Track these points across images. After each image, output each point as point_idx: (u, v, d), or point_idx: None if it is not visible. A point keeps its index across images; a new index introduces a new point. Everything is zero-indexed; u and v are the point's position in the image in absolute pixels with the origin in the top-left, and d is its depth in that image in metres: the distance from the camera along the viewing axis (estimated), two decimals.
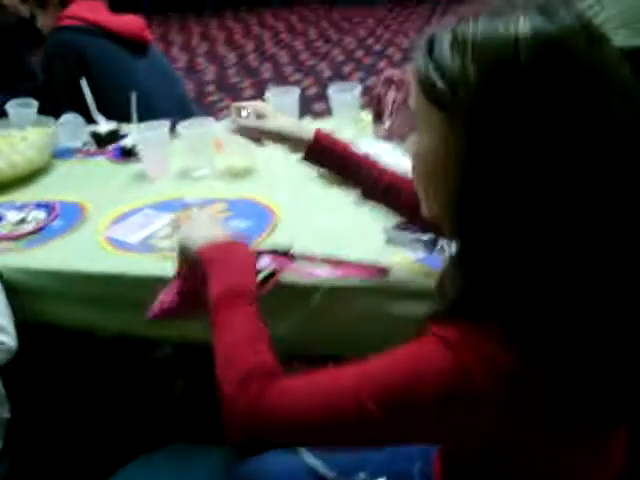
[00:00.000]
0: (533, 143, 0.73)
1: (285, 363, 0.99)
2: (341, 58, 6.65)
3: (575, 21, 0.77)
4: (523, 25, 0.74)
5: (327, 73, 6.16)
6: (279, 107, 2.04)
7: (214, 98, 5.72)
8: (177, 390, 2.37)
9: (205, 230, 1.19)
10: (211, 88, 6.00)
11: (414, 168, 0.90)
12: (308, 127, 1.33)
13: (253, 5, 9.39)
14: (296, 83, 5.87)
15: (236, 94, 5.72)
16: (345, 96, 2.04)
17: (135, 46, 2.53)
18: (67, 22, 2.43)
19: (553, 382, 0.77)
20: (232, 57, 7.02)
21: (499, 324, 0.77)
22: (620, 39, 2.45)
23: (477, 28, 0.76)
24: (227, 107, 4.88)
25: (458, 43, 0.76)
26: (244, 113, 1.39)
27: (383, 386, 0.81)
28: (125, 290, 1.46)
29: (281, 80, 5.86)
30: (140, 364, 2.49)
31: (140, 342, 2.53)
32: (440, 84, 0.77)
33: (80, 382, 2.41)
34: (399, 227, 1.45)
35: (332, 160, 1.32)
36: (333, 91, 2.04)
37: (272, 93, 2.06)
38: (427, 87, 0.79)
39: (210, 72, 6.52)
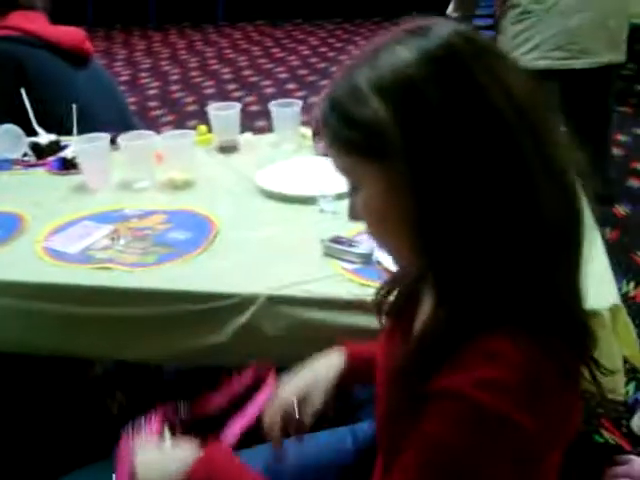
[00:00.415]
0: (460, 147, 0.76)
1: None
2: (284, 76, 6.70)
3: (451, 31, 0.80)
4: (405, 51, 0.78)
5: (270, 90, 6.19)
6: (220, 122, 2.08)
7: (157, 113, 5.70)
8: (116, 405, 2.36)
9: (171, 457, 1.05)
10: (154, 103, 5.99)
11: (369, 227, 0.88)
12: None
13: (197, 21, 9.41)
14: (239, 99, 5.89)
15: (179, 109, 5.72)
16: (286, 110, 2.08)
17: (76, 58, 2.52)
18: (5, 32, 2.41)
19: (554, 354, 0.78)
20: (175, 72, 7.01)
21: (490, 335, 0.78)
22: (554, 61, 2.69)
23: (368, 73, 0.80)
24: (170, 122, 4.84)
25: (363, 94, 0.79)
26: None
27: None
28: (62, 300, 1.47)
29: (224, 96, 5.87)
30: (79, 379, 2.48)
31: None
32: (368, 140, 0.79)
33: (18, 395, 2.39)
34: (336, 241, 1.50)
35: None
36: (274, 105, 2.07)
37: (213, 108, 2.09)
38: (356, 147, 0.81)
39: (153, 87, 6.50)
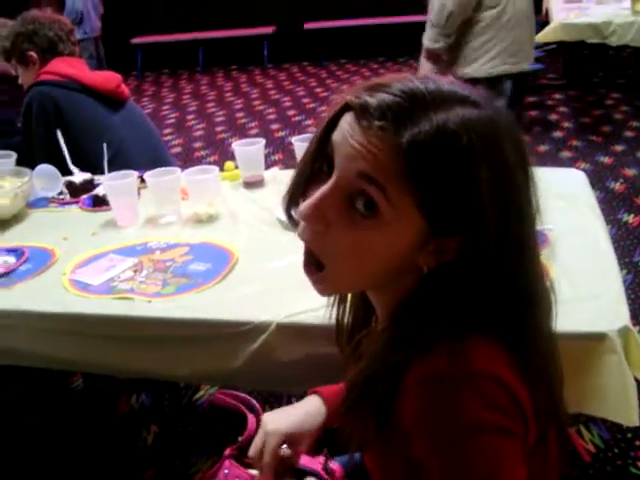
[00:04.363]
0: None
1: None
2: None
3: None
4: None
5: (313, 129, 6.28)
6: (244, 158, 2.13)
7: (202, 153, 5.84)
8: (151, 437, 2.41)
9: None
10: (199, 144, 6.13)
11: (359, 258, 0.84)
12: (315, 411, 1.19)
13: (244, 64, 9.64)
14: (282, 139, 5.99)
15: (223, 149, 5.84)
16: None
17: (112, 101, 2.63)
18: (46, 77, 2.54)
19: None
20: (221, 114, 7.18)
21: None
22: (510, 66, 3.29)
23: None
24: (214, 162, 4.96)
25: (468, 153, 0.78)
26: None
27: None
28: (84, 328, 1.54)
29: (268, 136, 5.97)
30: (115, 411, 2.54)
31: (114, 388, 2.61)
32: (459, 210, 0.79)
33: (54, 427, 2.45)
34: None
35: None
36: (297, 140, 2.10)
37: (237, 144, 2.15)
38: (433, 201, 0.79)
39: (199, 128, 6.66)
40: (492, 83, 3.26)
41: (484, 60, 3.26)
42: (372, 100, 0.79)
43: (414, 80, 0.81)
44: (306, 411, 1.18)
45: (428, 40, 3.30)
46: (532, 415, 0.81)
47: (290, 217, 0.93)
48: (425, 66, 3.40)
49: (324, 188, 0.83)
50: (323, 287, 0.90)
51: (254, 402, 1.22)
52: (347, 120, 0.82)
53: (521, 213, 0.82)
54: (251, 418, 1.19)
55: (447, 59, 3.33)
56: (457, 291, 0.82)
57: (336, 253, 0.84)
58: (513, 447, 0.78)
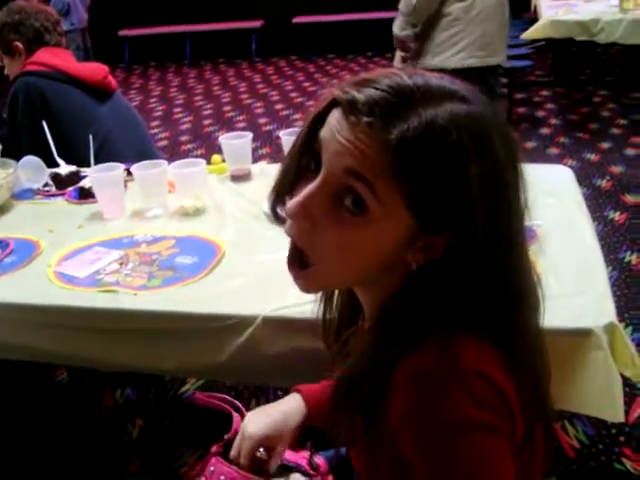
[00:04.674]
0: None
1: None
2: None
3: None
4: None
5: (301, 123, 6.27)
6: (231, 152, 2.12)
7: (189, 146, 5.82)
8: (136, 431, 2.40)
9: None
10: (186, 137, 6.11)
11: (351, 255, 0.83)
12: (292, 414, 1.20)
13: (231, 58, 9.62)
14: (270, 133, 5.98)
15: (210, 143, 5.82)
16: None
17: (98, 92, 2.61)
18: (32, 67, 2.52)
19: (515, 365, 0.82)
20: (209, 107, 7.16)
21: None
22: (478, 59, 3.28)
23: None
24: (201, 155, 4.96)
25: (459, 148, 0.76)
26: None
27: None
28: (69, 320, 1.53)
29: (255, 129, 5.96)
30: (100, 405, 2.53)
31: (99, 381, 2.59)
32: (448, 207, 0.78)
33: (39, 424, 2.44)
34: None
35: None
36: (284, 134, 2.10)
37: (224, 138, 2.14)
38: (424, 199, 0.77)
39: (186, 122, 6.64)
40: (461, 76, 3.27)
41: (451, 52, 3.28)
42: (360, 96, 0.77)
43: (402, 75, 0.80)
44: (286, 410, 1.19)
45: (396, 27, 3.37)
46: (519, 411, 0.81)
47: (276, 214, 0.92)
48: (397, 54, 3.49)
49: (311, 186, 0.81)
50: (306, 284, 0.89)
51: (236, 402, 1.22)
52: (335, 116, 0.80)
53: (510, 209, 0.81)
54: (236, 417, 1.19)
55: (414, 47, 3.37)
56: (445, 288, 0.81)
57: (323, 250, 0.83)
58: (501, 445, 0.78)
